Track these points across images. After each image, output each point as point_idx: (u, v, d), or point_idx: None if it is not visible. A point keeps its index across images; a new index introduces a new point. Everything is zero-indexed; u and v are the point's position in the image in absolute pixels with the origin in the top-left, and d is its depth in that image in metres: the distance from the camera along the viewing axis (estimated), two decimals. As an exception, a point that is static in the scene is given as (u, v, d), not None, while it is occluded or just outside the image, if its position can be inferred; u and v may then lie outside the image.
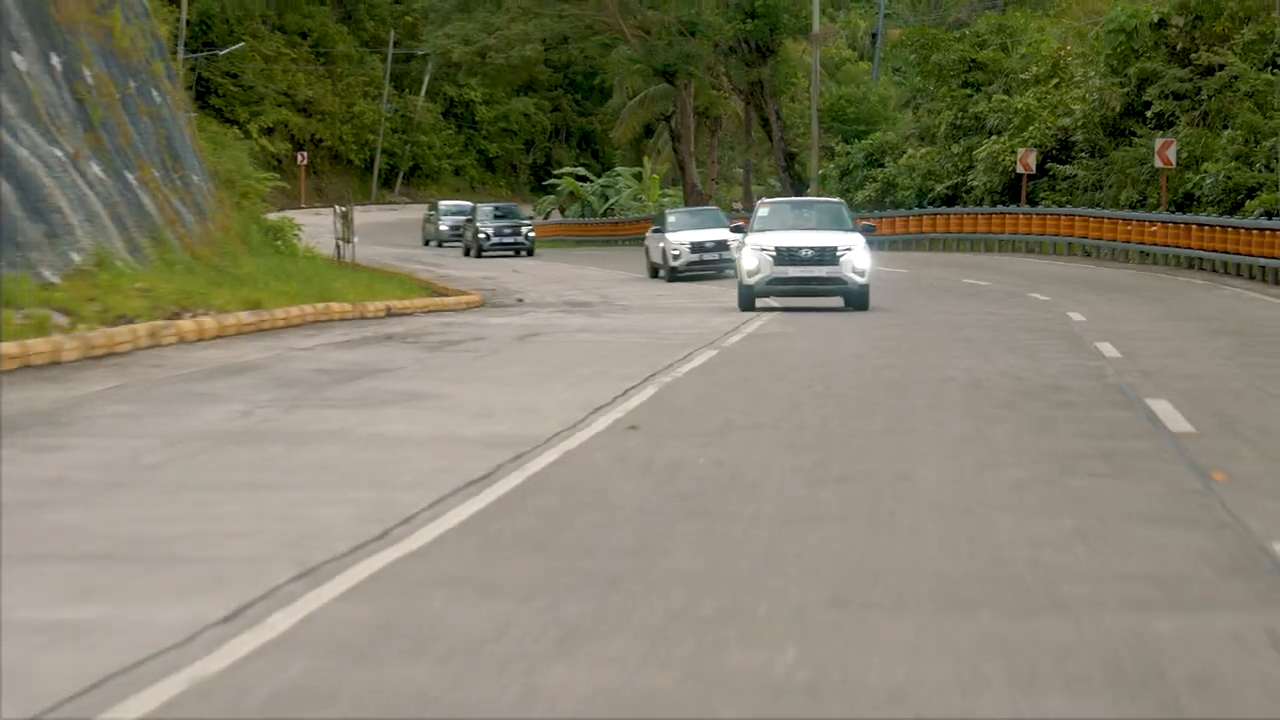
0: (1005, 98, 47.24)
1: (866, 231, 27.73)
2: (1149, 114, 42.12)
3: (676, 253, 37.47)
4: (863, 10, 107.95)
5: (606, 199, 72.15)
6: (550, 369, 16.30)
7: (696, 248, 37.38)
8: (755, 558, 7.29)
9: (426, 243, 62.20)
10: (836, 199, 33.35)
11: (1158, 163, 39.45)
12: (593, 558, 7.25)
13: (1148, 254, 38.43)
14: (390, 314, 26.00)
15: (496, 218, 54.40)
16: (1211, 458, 10.22)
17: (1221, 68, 40.21)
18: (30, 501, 8.54)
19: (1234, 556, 7.38)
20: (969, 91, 49.27)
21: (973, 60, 49.46)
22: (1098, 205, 43.02)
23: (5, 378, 14.39)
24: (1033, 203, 45.80)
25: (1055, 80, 46.78)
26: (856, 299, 26.37)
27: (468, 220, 54.92)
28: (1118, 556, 7.35)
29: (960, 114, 48.97)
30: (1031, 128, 45.88)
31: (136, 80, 30.82)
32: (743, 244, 27.43)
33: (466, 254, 52.64)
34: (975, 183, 47.73)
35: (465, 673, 5.40)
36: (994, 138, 46.93)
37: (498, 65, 58.67)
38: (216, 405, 12.77)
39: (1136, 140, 41.88)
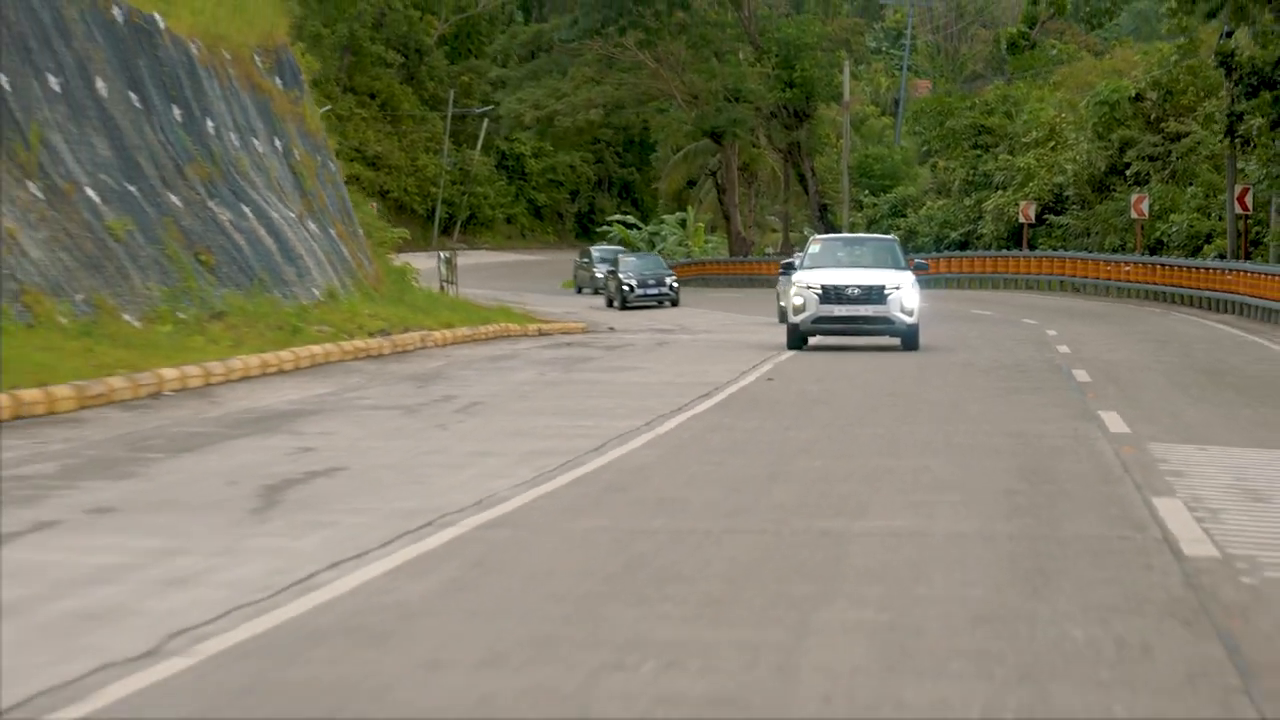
0: (1009, 158, 56.82)
1: (919, 270, 28.87)
2: (1128, 173, 51.50)
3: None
4: (884, 64, 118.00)
5: (653, 245, 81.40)
6: (695, 357, 25.63)
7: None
8: (851, 409, 16.59)
9: (580, 290, 60.65)
10: (890, 236, 33.70)
11: (1134, 214, 48.74)
12: (778, 411, 16.53)
13: (1124, 289, 47.67)
14: (541, 333, 35.15)
15: (641, 268, 51.92)
16: (1091, 390, 19.46)
17: (1187, 134, 49.55)
18: (506, 396, 17.90)
19: (1080, 413, 16.62)
20: (979, 152, 58.89)
21: (982, 125, 59.10)
22: (1085, 249, 52.35)
23: (374, 362, 23.75)
24: (1032, 247, 55.13)
25: (1051, 143, 56.31)
26: (906, 338, 26.94)
27: (610, 271, 53.02)
28: (1023, 413, 16.64)
29: (971, 171, 58.56)
30: (1031, 184, 55.35)
31: (320, 154, 40.30)
32: (789, 282, 28.26)
33: (610, 305, 50.64)
34: (984, 230, 57.19)
35: (746, 443, 14.65)
36: (1000, 192, 56.46)
37: (564, 128, 68.03)
38: (519, 372, 22.12)
39: (1117, 195, 51.26)
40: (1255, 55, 38.94)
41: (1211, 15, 41.69)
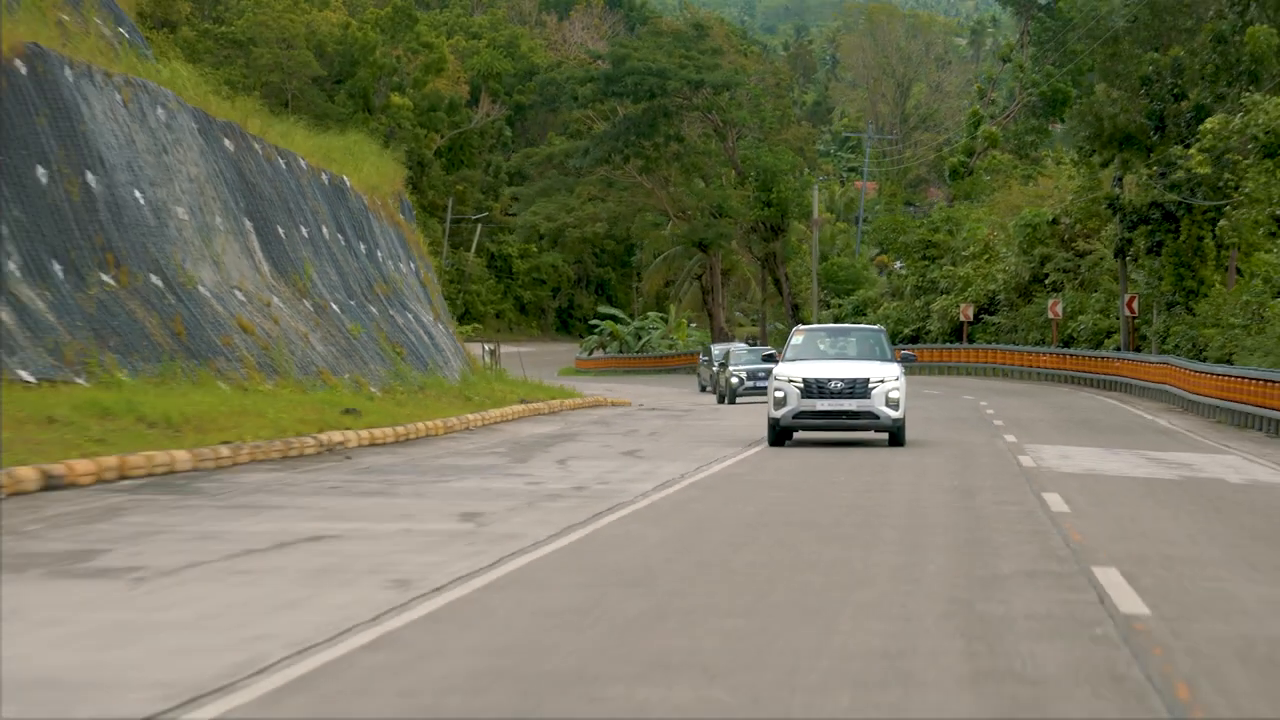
0: (952, 268, 72.41)
1: (906, 361, 29.08)
2: (1046, 281, 67.06)
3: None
4: (833, 166, 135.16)
5: (640, 338, 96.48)
6: (729, 421, 40.62)
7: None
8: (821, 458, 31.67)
9: (703, 389, 61.58)
10: (876, 326, 33.47)
11: (1050, 314, 64.17)
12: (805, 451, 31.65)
13: (1042, 374, 63.03)
14: (597, 405, 49.74)
15: (750, 360, 52.65)
16: (1002, 428, 34.57)
17: (1091, 252, 65.17)
18: (624, 431, 32.91)
19: (992, 435, 31.72)
20: (927, 262, 74.43)
21: (929, 240, 74.69)
22: (1013, 343, 67.74)
23: (528, 422, 38.67)
24: (971, 340, 70.44)
25: (986, 256, 71.86)
26: (892, 433, 27.64)
27: (721, 365, 54.09)
28: (962, 435, 31.79)
29: (920, 278, 74.10)
30: (970, 289, 70.84)
31: (430, 271, 55.22)
32: (772, 374, 28.53)
33: (722, 401, 51.75)
34: (931, 327, 72.63)
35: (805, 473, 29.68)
36: (944, 296, 71.96)
37: (574, 238, 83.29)
38: (648, 422, 37.02)
39: (1037, 299, 66.75)
40: (1135, 199, 54.55)
41: (1105, 165, 57.47)
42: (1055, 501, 18.01)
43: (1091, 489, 20.02)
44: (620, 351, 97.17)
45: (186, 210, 34.58)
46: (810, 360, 28.32)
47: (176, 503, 17.32)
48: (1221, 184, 44.10)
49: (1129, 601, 10.67)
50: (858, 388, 27.23)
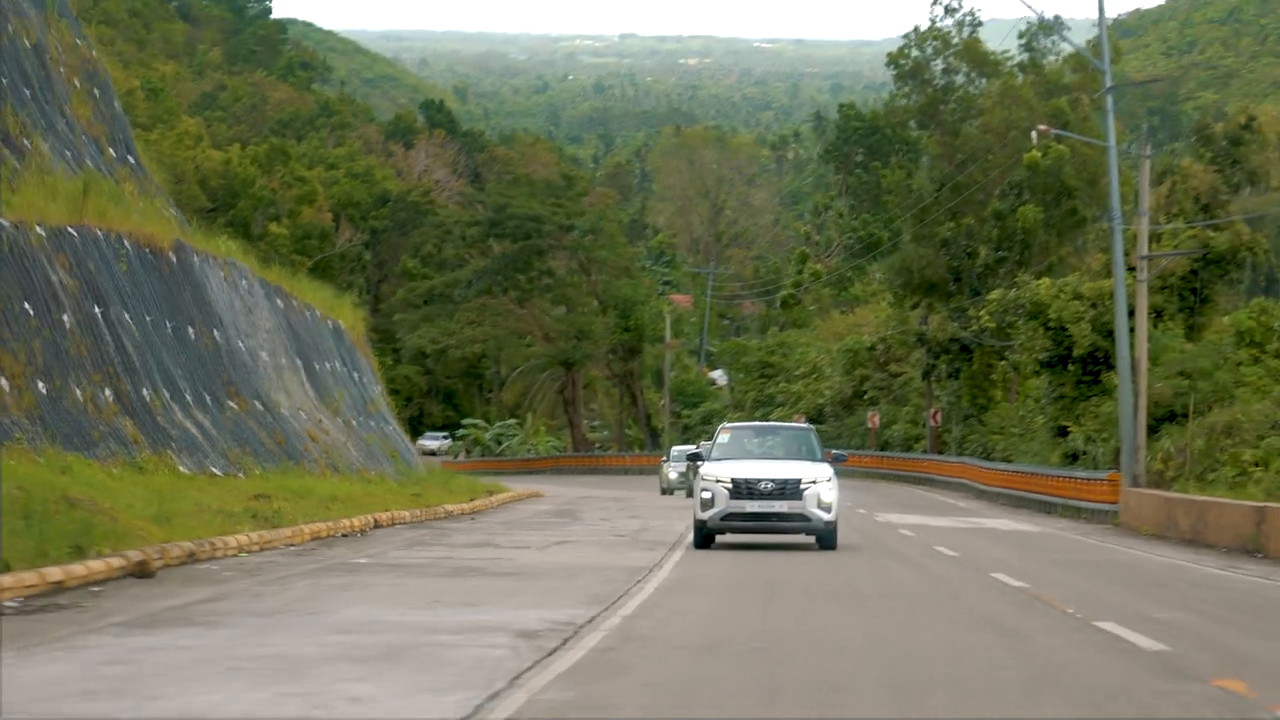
0: (787, 385, 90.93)
1: (836, 461, 28.94)
2: (865, 397, 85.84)
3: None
4: (650, 280, 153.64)
5: (500, 443, 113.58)
6: (641, 509, 58.35)
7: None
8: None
9: (664, 492, 65.89)
10: (805, 424, 33.43)
11: (869, 424, 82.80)
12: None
13: (865, 472, 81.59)
14: (535, 496, 66.90)
15: None
16: (863, 501, 52.76)
17: (902, 373, 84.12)
18: (605, 513, 50.62)
19: (852, 507, 49.97)
20: (764, 380, 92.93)
21: (766, 362, 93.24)
22: (839, 448, 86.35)
23: (469, 519, 56.12)
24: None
25: (815, 375, 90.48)
26: (823, 537, 27.42)
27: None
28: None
29: (759, 393, 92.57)
30: (801, 402, 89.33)
31: (382, 385, 72.05)
32: (698, 473, 28.35)
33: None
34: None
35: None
36: (780, 408, 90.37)
37: (455, 358, 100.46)
38: (593, 510, 54.56)
39: (858, 411, 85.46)
40: (938, 334, 73.49)
41: (914, 307, 76.53)
42: (939, 545, 35.97)
43: (945, 538, 37.95)
44: (482, 455, 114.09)
45: (267, 353, 51.58)
46: (738, 460, 28.32)
47: (445, 530, 34.63)
48: (1004, 329, 62.86)
49: (1016, 581, 27.88)
50: (789, 489, 27.16)
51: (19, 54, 42.54)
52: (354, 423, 58.42)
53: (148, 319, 40.16)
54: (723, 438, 29.51)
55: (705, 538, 28.17)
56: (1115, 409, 46.82)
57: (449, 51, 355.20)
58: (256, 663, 12.42)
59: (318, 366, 57.37)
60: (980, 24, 75.30)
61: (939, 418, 76.26)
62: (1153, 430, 45.67)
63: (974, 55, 73.92)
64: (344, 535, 33.06)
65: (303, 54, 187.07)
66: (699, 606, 18.01)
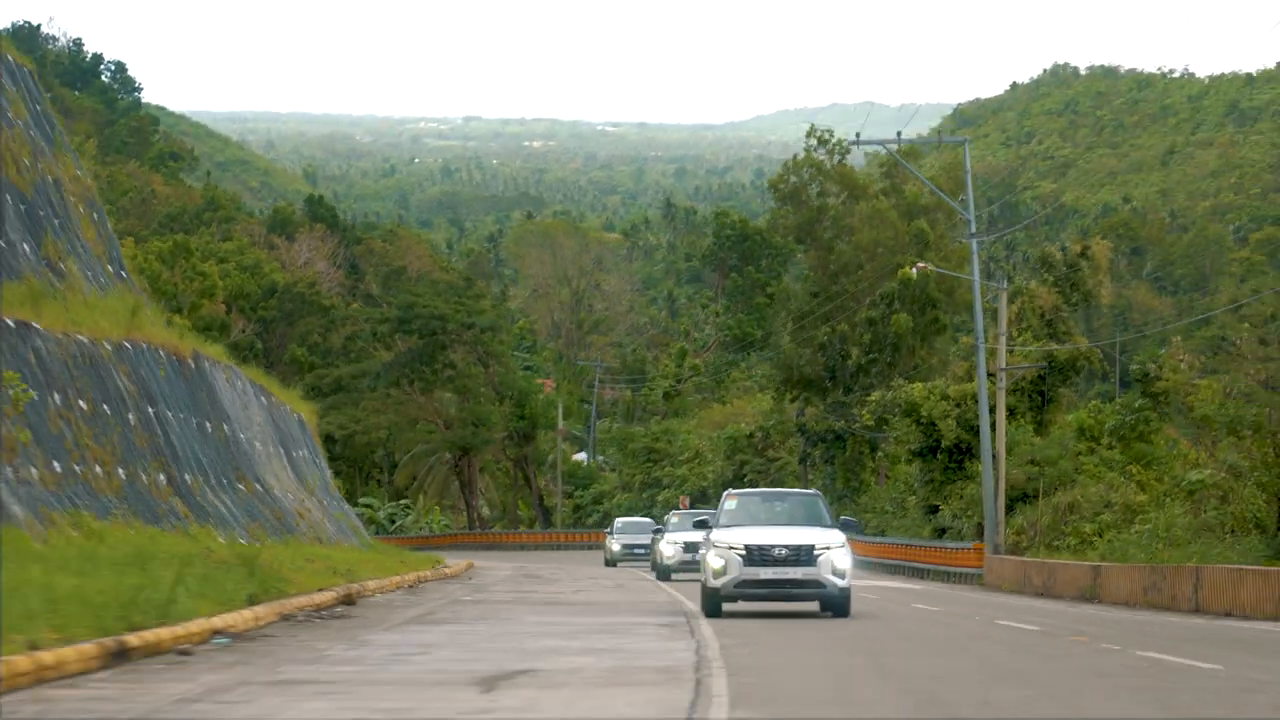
0: (671, 468, 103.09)
1: (847, 527, 29.34)
2: (745, 480, 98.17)
3: (670, 553, 52.92)
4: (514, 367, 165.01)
5: (394, 521, 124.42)
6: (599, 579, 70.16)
7: (689, 547, 50.57)
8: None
9: (608, 563, 70.37)
10: (813, 490, 33.60)
11: (681, 507, 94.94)
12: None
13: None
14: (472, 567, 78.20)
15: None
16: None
17: (780, 459, 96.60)
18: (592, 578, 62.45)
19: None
20: (650, 465, 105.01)
21: (651, 448, 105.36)
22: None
23: (465, 579, 67.70)
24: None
25: (697, 460, 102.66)
26: (837, 605, 27.61)
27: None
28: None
29: (646, 476, 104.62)
30: (686, 484, 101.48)
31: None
32: (708, 540, 28.41)
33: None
34: (655, 513, 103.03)
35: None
36: (666, 490, 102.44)
37: (360, 442, 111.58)
38: (550, 571, 66.26)
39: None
40: (815, 424, 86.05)
41: (793, 401, 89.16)
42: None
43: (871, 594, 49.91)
44: (377, 533, 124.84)
45: (260, 443, 62.85)
46: (748, 526, 28.44)
47: (480, 585, 46.22)
48: (881, 423, 75.37)
49: (934, 607, 40.19)
50: (803, 555, 27.26)
51: (47, 189, 53.78)
52: (324, 502, 69.80)
53: (181, 416, 51.28)
54: (729, 504, 29.73)
55: (715, 607, 28.02)
56: (978, 490, 59.35)
57: (294, 133, 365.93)
58: (494, 640, 24.25)
59: (294, 454, 68.73)
60: (849, 151, 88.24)
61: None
62: (1009, 508, 58.23)
63: (844, 180, 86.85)
64: (409, 586, 44.58)
65: (171, 144, 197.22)
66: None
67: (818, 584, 27.71)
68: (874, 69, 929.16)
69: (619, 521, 76.57)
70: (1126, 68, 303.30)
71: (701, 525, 31.12)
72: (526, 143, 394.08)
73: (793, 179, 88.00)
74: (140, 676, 19.10)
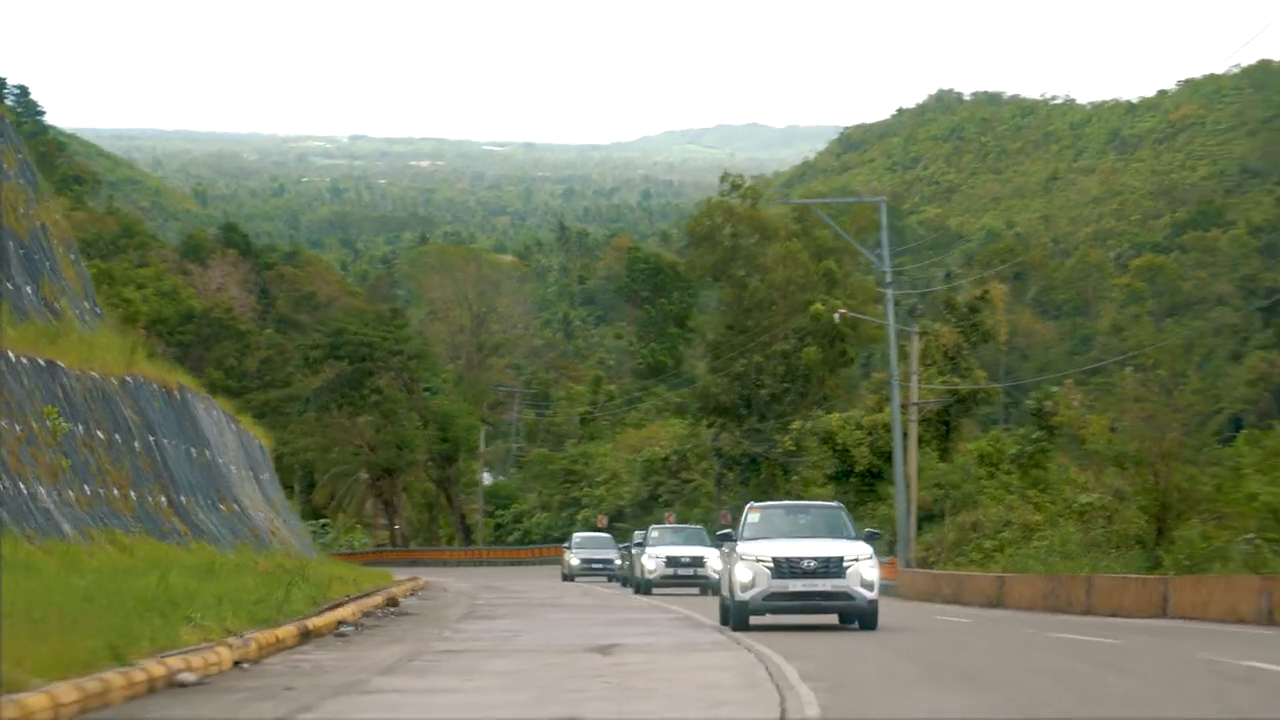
0: (590, 489, 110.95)
1: (871, 539, 29.23)
2: (661, 500, 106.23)
3: (651, 566, 54.17)
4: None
5: (315, 538, 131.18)
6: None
7: (672, 561, 55.13)
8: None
9: (565, 578, 73.40)
10: (835, 503, 33.38)
11: (667, 522, 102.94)
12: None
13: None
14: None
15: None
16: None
17: (694, 480, 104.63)
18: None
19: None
20: (568, 485, 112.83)
21: (569, 470, 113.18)
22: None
23: (422, 594, 75.34)
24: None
25: (614, 481, 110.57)
26: (865, 617, 28.07)
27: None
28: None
29: (565, 496, 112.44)
30: (604, 504, 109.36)
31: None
32: (732, 553, 28.73)
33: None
34: (575, 530, 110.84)
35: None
36: (585, 509, 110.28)
37: (286, 464, 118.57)
38: (515, 584, 73.94)
39: (656, 512, 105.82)
40: (730, 449, 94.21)
41: (710, 426, 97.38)
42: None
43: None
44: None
45: (235, 467, 70.21)
46: (774, 539, 28.75)
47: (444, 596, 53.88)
48: (799, 449, 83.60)
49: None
50: (832, 567, 27.58)
51: (38, 235, 60.92)
52: (288, 521, 77.23)
53: (174, 443, 58.48)
54: (753, 517, 30.12)
55: (744, 620, 28.35)
56: (890, 511, 67.63)
57: (180, 151, 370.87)
58: (559, 628, 32.08)
59: (260, 477, 76.10)
60: (760, 196, 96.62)
61: (729, 517, 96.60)
62: (919, 526, 66.57)
63: (756, 224, 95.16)
64: (417, 594, 52.15)
65: (75, 168, 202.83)
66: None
67: (847, 596, 28.05)
68: (759, 91, 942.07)
69: (577, 536, 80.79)
70: (1010, 94, 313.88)
71: (725, 539, 30.56)
72: (414, 162, 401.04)
73: (707, 222, 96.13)
74: (338, 648, 26.63)
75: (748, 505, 31.66)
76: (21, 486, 38.81)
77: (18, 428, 37.73)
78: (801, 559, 27.85)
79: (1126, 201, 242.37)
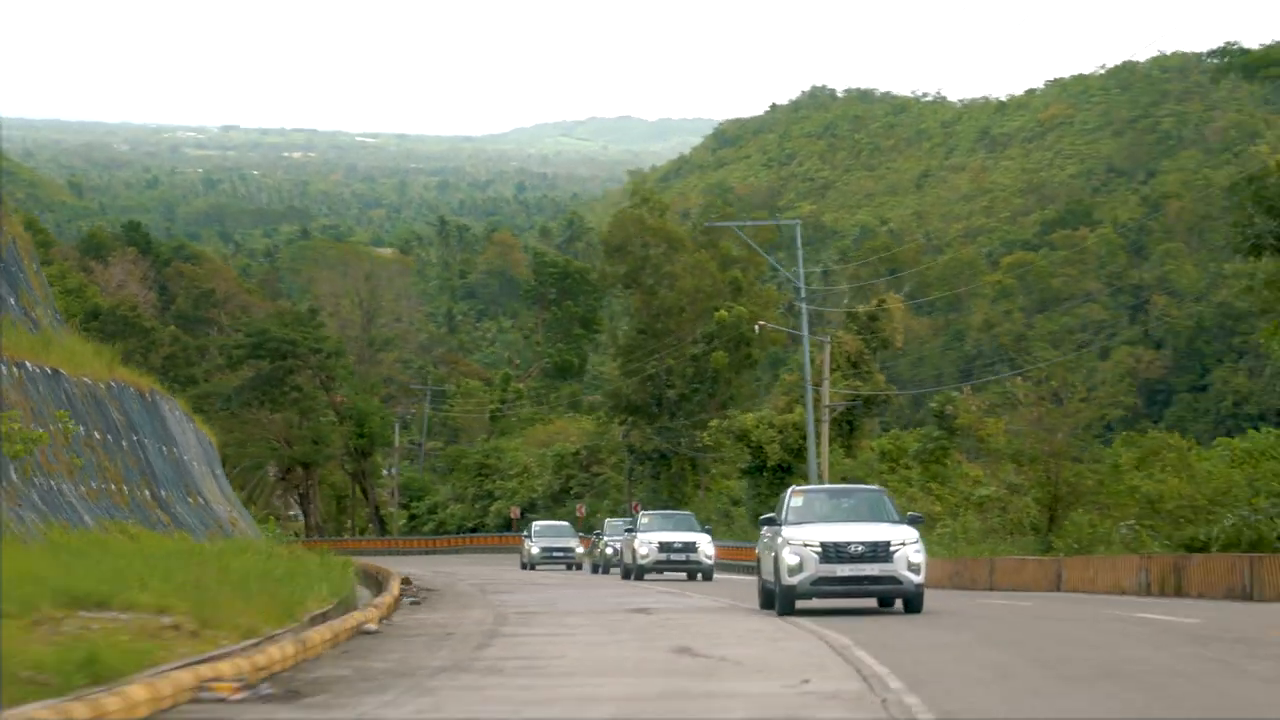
0: (502, 482, 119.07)
1: (915, 523, 29.55)
2: (571, 492, 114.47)
3: (644, 551, 55.60)
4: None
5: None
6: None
7: (664, 547, 56.33)
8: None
9: (524, 566, 74.48)
10: (877, 486, 35.57)
11: (578, 513, 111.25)
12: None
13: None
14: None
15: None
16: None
17: (604, 474, 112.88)
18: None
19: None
20: (481, 479, 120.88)
21: (483, 464, 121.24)
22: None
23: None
24: (518, 530, 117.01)
25: (525, 474, 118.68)
26: (912, 600, 28.48)
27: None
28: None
29: (478, 489, 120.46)
30: (517, 496, 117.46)
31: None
32: (778, 537, 28.99)
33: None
34: (489, 522, 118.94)
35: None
36: (499, 501, 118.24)
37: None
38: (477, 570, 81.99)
39: (569, 504, 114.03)
40: (640, 443, 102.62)
41: (622, 424, 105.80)
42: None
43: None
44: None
45: (197, 463, 77.85)
46: (818, 523, 29.12)
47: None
48: (716, 446, 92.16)
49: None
50: (879, 551, 27.97)
51: (14, 250, 68.24)
52: (241, 513, 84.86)
53: (150, 442, 66.00)
54: (795, 501, 30.34)
55: (790, 604, 28.66)
56: (802, 502, 76.40)
57: (50, 141, 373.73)
58: (590, 595, 40.43)
59: (215, 471, 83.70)
60: (668, 208, 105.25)
61: (639, 508, 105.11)
62: (829, 516, 75.31)
63: (665, 235, 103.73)
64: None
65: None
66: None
67: (894, 580, 28.41)
68: (631, 84, 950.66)
69: (537, 525, 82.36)
70: (882, 91, 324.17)
71: (770, 522, 30.72)
72: (286, 153, 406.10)
73: (620, 234, 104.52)
74: (425, 612, 34.55)
75: (789, 489, 31.92)
76: (52, 483, 46.47)
77: (40, 430, 45.05)
78: (849, 544, 28.21)
79: (997, 199, 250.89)
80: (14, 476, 38.56)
